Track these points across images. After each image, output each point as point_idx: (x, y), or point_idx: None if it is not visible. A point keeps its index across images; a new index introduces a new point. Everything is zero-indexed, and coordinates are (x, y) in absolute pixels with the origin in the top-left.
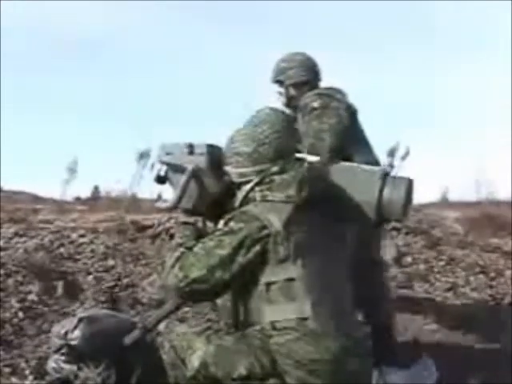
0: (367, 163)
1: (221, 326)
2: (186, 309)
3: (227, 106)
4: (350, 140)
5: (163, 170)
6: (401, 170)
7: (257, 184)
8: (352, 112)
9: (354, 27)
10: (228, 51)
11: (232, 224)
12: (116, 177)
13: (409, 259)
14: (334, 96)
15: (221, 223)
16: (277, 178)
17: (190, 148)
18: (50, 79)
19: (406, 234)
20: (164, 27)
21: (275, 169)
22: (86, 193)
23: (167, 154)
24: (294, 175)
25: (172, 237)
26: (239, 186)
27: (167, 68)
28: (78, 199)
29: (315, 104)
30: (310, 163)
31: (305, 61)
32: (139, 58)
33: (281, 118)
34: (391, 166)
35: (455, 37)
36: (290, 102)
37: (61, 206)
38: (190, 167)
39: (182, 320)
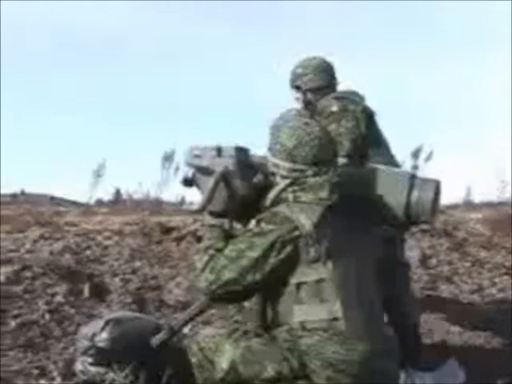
0: (386, 165)
1: (247, 327)
2: (212, 311)
3: (251, 108)
4: (369, 143)
5: (190, 172)
6: (424, 171)
7: (289, 185)
8: (369, 114)
9: (376, 29)
10: (252, 53)
11: (263, 225)
12: (138, 180)
13: (434, 261)
14: (351, 99)
15: (252, 223)
16: (310, 179)
17: (219, 151)
18: (68, 80)
19: (431, 235)
20: (186, 27)
21: (310, 172)
22: (107, 195)
23: (195, 156)
24: (327, 178)
25: (200, 239)
26: (271, 176)
27: (193, 71)
28: (100, 202)
29: (333, 108)
30: (341, 167)
31: (321, 65)
32: (165, 59)
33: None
34: (415, 167)
35: (476, 37)
36: (308, 106)
37: (85, 209)
38: (218, 170)
39: (207, 322)
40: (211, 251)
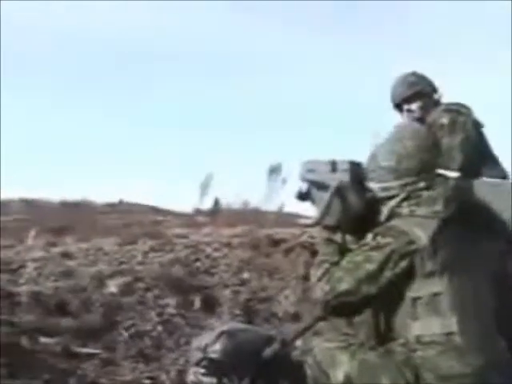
0: (495, 177)
1: (359, 340)
2: (321, 323)
3: (358, 121)
4: (480, 156)
5: (305, 186)
6: None
7: (404, 199)
8: (478, 126)
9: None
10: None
11: (379, 239)
12: (241, 190)
13: None
14: (460, 111)
15: (368, 237)
16: (424, 193)
17: (333, 165)
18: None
19: None
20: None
21: (422, 184)
22: (205, 205)
23: (309, 171)
24: (441, 191)
25: (315, 254)
26: (383, 200)
27: (296, 82)
28: (198, 211)
29: (444, 120)
30: (454, 179)
31: (422, 75)
32: (266, 72)
33: (422, 132)
34: None
35: None
36: (419, 115)
37: (189, 220)
38: (333, 184)
39: (316, 333)
40: (326, 265)
